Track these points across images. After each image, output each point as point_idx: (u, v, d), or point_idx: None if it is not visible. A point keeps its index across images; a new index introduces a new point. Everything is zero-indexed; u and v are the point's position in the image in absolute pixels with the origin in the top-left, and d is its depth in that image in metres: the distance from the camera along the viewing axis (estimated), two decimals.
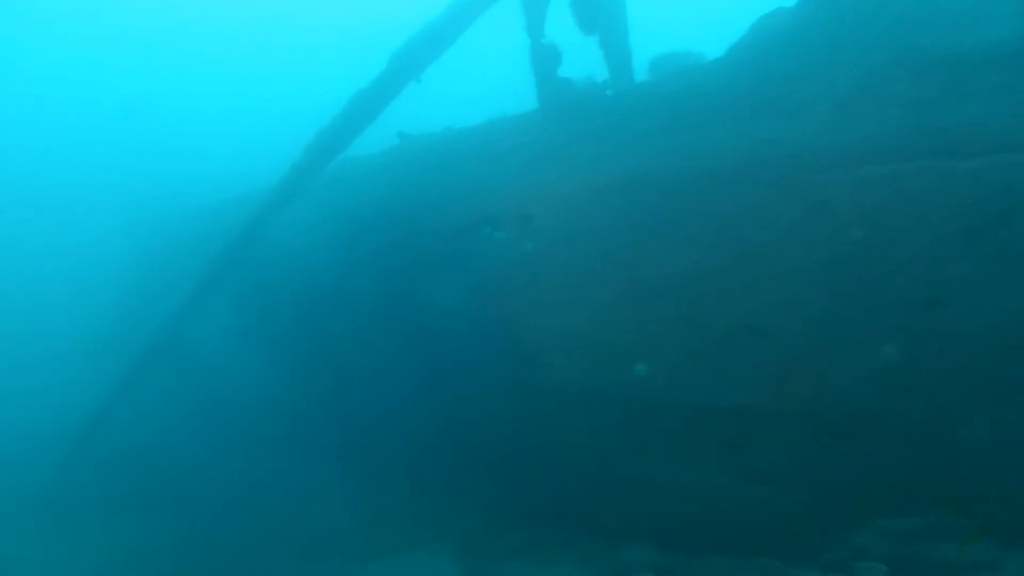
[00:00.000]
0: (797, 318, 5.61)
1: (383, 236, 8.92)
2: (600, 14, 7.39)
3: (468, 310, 8.55)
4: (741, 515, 6.13)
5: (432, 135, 9.04)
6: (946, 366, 5.04)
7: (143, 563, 8.25)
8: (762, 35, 6.30)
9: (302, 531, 8.58)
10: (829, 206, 5.38)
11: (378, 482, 9.24)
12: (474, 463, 8.10)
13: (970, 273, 4.91)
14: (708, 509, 6.29)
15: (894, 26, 5.51)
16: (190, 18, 38.04)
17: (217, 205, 12.90)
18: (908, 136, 5.14)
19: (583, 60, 7.78)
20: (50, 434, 11.80)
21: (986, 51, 5.05)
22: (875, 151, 5.25)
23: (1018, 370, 4.82)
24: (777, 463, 5.91)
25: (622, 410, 6.81)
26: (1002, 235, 4.80)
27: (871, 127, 5.32)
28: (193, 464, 10.93)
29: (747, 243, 5.79)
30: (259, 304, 11.36)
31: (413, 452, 8.71)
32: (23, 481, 11.00)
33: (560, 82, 7.33)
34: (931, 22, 5.37)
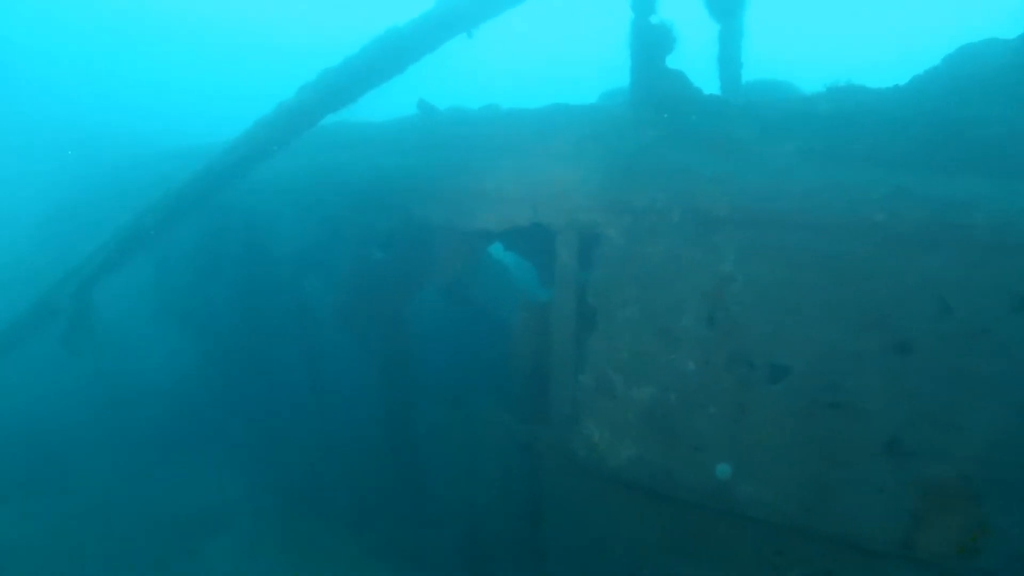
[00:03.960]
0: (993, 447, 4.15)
1: (372, 225, 7.18)
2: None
3: (484, 346, 6.97)
4: None
5: (466, 111, 7.32)
6: None
7: None
8: (963, 68, 4.93)
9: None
10: None
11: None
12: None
13: None
14: None
15: None
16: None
17: (166, 152, 11.08)
18: None
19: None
20: None
21: None
22: None
23: None
24: None
25: (680, 513, 5.26)
26: None
27: None
28: (70, 447, 9.64)
29: (924, 334, 4.30)
30: (192, 277, 9.59)
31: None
32: None
33: (668, 73, 5.76)
34: None
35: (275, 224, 8.44)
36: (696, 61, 6.49)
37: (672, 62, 5.93)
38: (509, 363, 6.24)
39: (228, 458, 9.38)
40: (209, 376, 9.79)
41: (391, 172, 7.05)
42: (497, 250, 7.69)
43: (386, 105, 7.50)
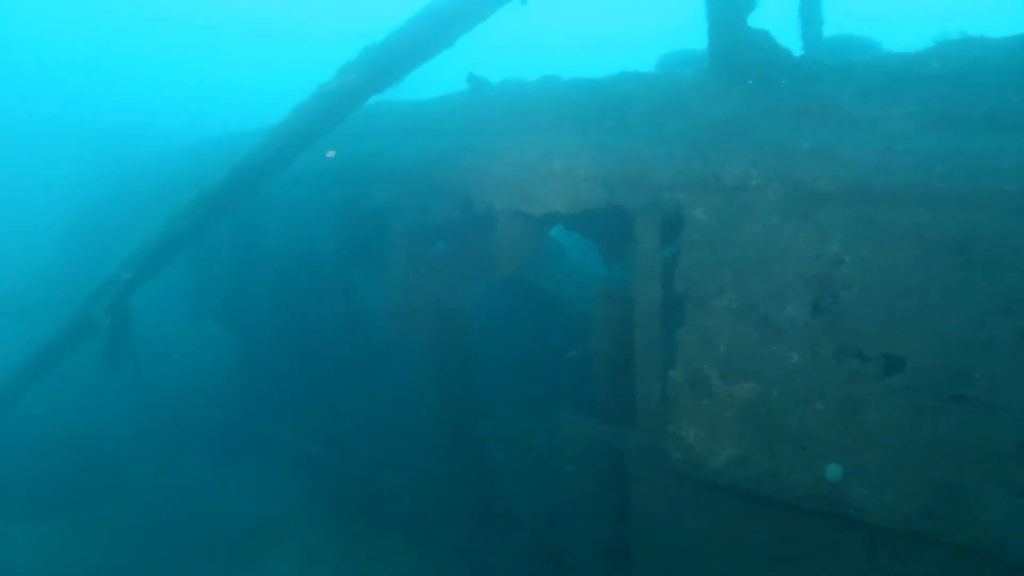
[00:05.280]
0: None
1: (426, 215, 6.81)
2: None
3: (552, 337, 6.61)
4: None
5: (522, 83, 6.88)
6: None
7: None
8: None
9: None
10: None
11: None
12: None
13: None
14: None
15: None
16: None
17: (191, 147, 10.77)
18: None
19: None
20: None
21: None
22: None
23: None
24: None
25: (786, 518, 4.87)
26: None
27: None
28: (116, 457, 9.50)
29: None
30: (230, 275, 9.31)
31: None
32: None
33: (751, 34, 5.29)
34: None
35: (316, 218, 8.11)
36: (770, 16, 5.98)
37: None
38: (588, 358, 5.87)
39: (278, 464, 9.12)
40: (253, 379, 9.52)
41: (443, 155, 6.66)
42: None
43: (427, 83, 7.10)
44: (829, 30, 7.13)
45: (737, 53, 5.32)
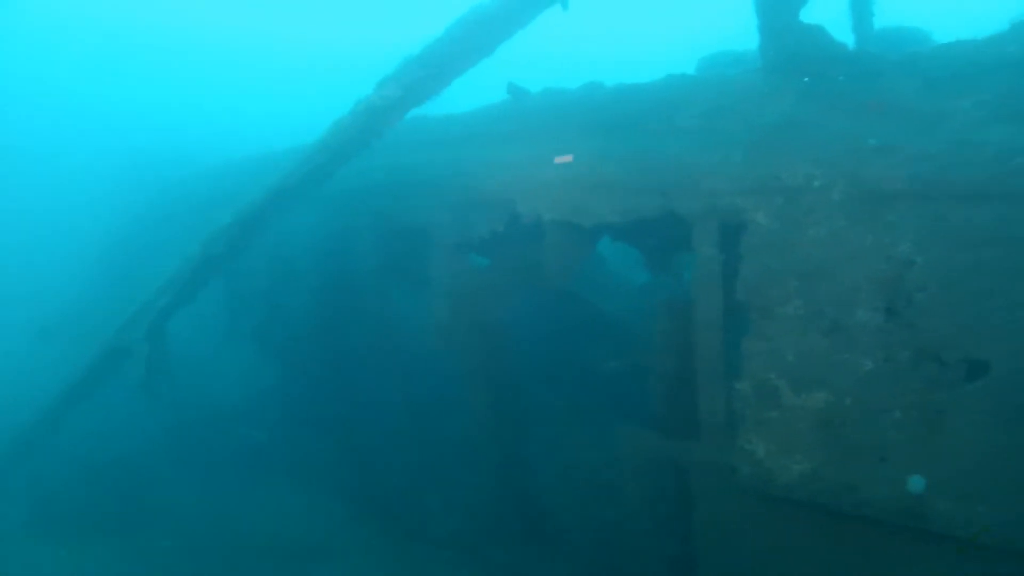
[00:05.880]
0: None
1: (469, 228, 6.68)
2: None
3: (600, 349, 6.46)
4: None
5: (563, 91, 6.73)
6: None
7: None
8: None
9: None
10: None
11: None
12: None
13: None
14: None
15: None
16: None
17: (227, 165, 10.74)
18: None
19: None
20: None
21: None
22: None
23: None
24: None
25: (865, 533, 4.67)
26: None
27: None
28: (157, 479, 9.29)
29: None
30: (266, 294, 9.25)
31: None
32: None
33: (805, 30, 5.12)
34: None
35: (353, 235, 8.00)
36: (817, 10, 5.80)
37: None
38: (632, 370, 5.70)
39: (320, 482, 9.00)
40: (292, 398, 9.43)
41: (485, 167, 6.52)
42: None
43: (457, 99, 6.97)
44: (877, 23, 6.95)
45: (791, 50, 5.15)
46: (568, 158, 5.68)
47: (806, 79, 5.12)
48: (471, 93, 7.46)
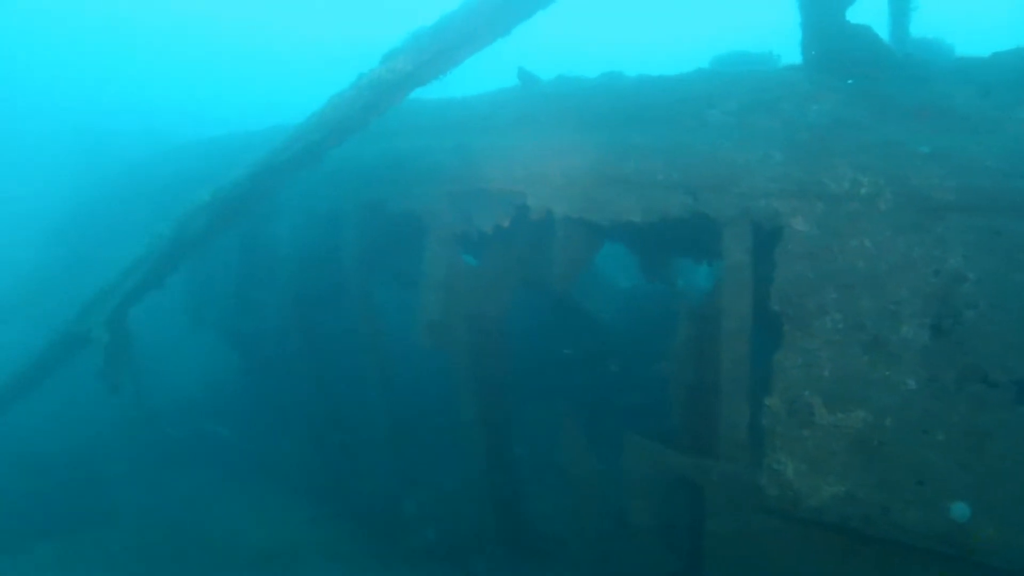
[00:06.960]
0: None
1: (470, 221, 6.33)
2: None
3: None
4: None
5: (580, 80, 6.42)
6: None
7: None
8: None
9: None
10: None
11: None
12: None
13: None
14: None
15: None
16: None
17: (203, 143, 10.23)
18: None
19: None
20: None
21: None
22: None
23: None
24: None
25: (902, 561, 4.46)
26: None
27: None
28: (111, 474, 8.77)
29: None
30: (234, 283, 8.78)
31: None
32: None
33: (851, 29, 4.90)
34: None
35: (336, 221, 7.58)
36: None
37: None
38: (659, 382, 5.41)
39: (287, 485, 8.55)
40: (260, 394, 8.95)
41: (491, 155, 6.17)
42: None
43: (464, 82, 6.62)
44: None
45: (836, 49, 4.91)
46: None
47: (850, 81, 4.89)
48: (471, 91, 7.15)
